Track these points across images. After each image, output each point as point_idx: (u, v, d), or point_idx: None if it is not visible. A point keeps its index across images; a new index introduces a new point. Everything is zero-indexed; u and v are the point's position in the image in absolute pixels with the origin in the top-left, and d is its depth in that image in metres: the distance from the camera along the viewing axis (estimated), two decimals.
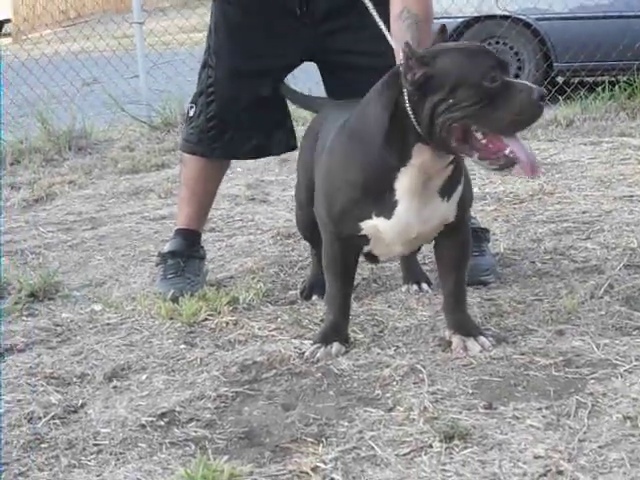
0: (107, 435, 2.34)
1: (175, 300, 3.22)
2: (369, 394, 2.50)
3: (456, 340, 2.74)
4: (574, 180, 4.65)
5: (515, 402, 2.38)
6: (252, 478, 2.11)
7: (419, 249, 2.96)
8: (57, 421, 2.44)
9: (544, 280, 3.26)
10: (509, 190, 4.51)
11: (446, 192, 2.61)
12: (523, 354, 2.66)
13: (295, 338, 2.90)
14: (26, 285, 3.49)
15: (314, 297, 3.23)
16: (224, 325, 3.04)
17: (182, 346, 2.90)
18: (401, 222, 2.58)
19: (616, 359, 2.56)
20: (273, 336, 2.93)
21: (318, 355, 2.70)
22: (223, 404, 2.49)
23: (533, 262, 3.48)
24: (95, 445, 2.30)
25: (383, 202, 2.56)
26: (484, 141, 2.42)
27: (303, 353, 2.75)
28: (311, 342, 2.78)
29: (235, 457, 2.20)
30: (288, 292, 3.36)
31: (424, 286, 3.26)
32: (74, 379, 2.70)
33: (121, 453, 2.25)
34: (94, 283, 3.70)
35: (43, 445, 2.33)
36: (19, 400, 2.57)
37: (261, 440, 2.30)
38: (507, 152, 2.40)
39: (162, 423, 2.39)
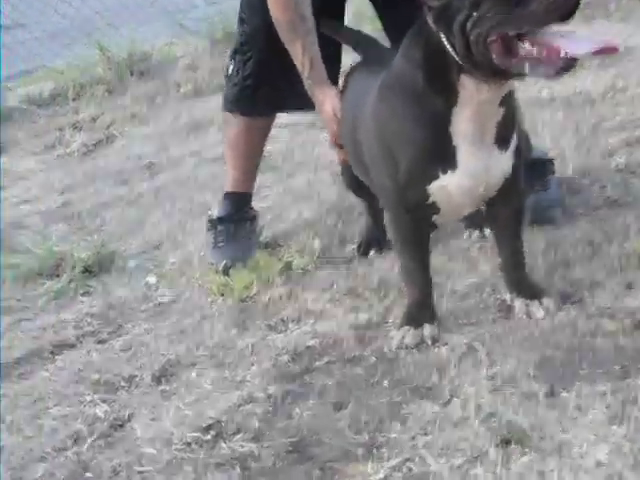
0: (152, 458, 2.25)
1: (226, 272, 3.09)
2: (425, 382, 2.35)
3: (518, 304, 2.57)
4: None
5: (579, 384, 2.21)
6: None
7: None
8: (102, 442, 2.35)
9: (614, 211, 3.03)
10: (579, 89, 4.20)
11: (502, 141, 2.37)
12: (590, 317, 2.48)
13: (351, 311, 2.76)
14: (79, 260, 3.40)
15: (371, 253, 3.07)
16: (278, 298, 2.91)
17: (233, 331, 2.80)
18: (467, 172, 2.34)
19: None
20: (327, 310, 2.78)
21: (407, 340, 2.51)
22: (272, 407, 2.36)
23: (604, 186, 3.25)
24: (139, 473, 2.22)
25: (445, 155, 2.32)
26: (530, 47, 2.12)
27: (362, 338, 2.60)
28: (398, 324, 2.58)
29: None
30: (345, 248, 3.20)
31: (486, 231, 3.05)
32: (122, 383, 2.61)
33: None
34: (151, 246, 3.61)
35: (88, 475, 2.25)
36: (65, 416, 2.49)
37: (311, 453, 2.18)
38: (562, 53, 2.07)
39: (209, 437, 2.28)
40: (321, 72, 2.84)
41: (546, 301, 2.55)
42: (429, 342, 2.51)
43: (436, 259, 2.87)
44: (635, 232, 2.84)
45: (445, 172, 2.34)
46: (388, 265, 2.95)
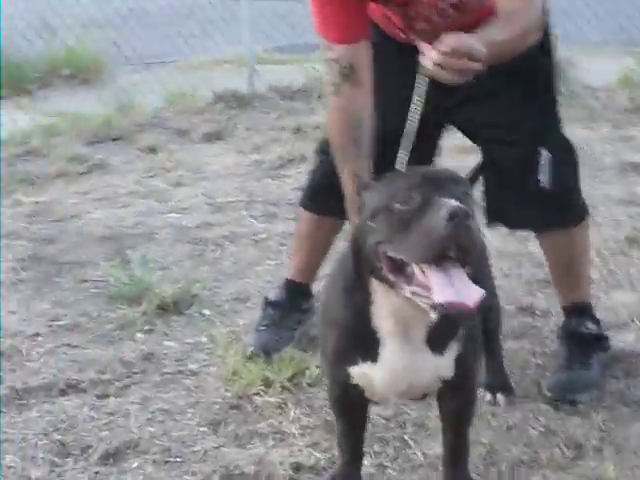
0: None
1: (251, 357, 3.19)
2: None
3: None
4: None
5: None
6: None
7: (424, 396, 2.63)
8: None
9: None
10: None
11: (436, 344, 2.28)
12: None
13: (312, 446, 2.77)
14: (156, 296, 3.63)
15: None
16: (266, 406, 2.98)
17: (203, 429, 2.89)
18: (388, 366, 2.29)
19: None
20: (292, 437, 2.82)
21: None
22: None
23: None
24: None
25: (368, 344, 2.28)
26: (416, 273, 2.04)
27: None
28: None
29: None
30: None
31: (499, 397, 2.96)
32: (74, 452, 2.79)
33: None
34: (236, 298, 3.76)
35: None
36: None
37: None
38: (434, 296, 1.99)
39: None
40: None
41: None
42: None
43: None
44: None
45: (365, 361, 2.30)
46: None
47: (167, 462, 2.73)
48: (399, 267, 2.06)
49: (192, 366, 3.26)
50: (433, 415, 2.73)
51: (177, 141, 6.03)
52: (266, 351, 3.20)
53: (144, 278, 3.74)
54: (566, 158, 2.96)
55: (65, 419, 2.94)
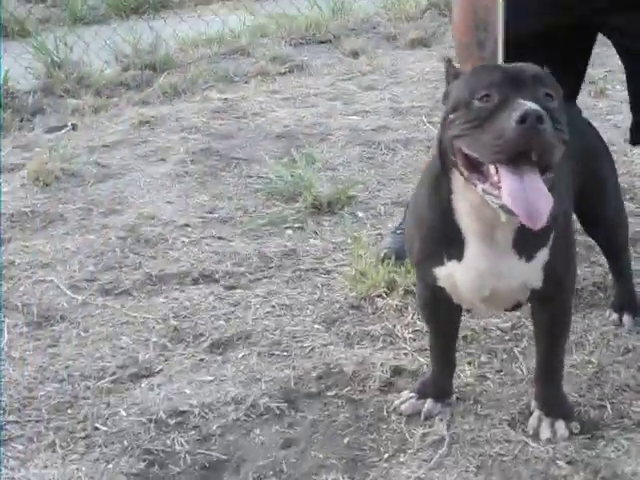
0: None
1: (383, 260, 3.14)
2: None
3: (532, 418, 2.38)
4: None
5: None
6: None
7: (516, 308, 2.48)
8: None
9: None
10: None
11: (523, 249, 2.16)
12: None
13: (418, 351, 2.72)
14: (310, 196, 3.64)
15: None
16: (386, 308, 2.93)
17: (317, 326, 2.88)
18: (472, 267, 2.19)
19: None
20: (403, 340, 2.78)
21: (403, 407, 2.46)
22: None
23: None
24: None
25: (452, 244, 2.19)
26: (491, 172, 1.96)
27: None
28: (409, 390, 2.52)
29: None
30: None
31: (625, 318, 2.79)
32: (186, 339, 2.85)
33: None
34: (394, 202, 3.72)
35: None
36: None
37: None
38: (503, 195, 1.93)
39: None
40: None
41: (560, 424, 2.33)
42: (422, 417, 2.43)
43: None
44: None
45: (450, 260, 2.21)
46: None
47: (272, 355, 2.73)
48: (474, 164, 1.99)
49: (328, 265, 3.24)
50: None
51: (383, 46, 5.97)
52: (398, 255, 3.13)
53: (305, 177, 3.73)
54: None
55: (188, 307, 2.99)
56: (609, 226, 2.75)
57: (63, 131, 4.53)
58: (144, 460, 2.27)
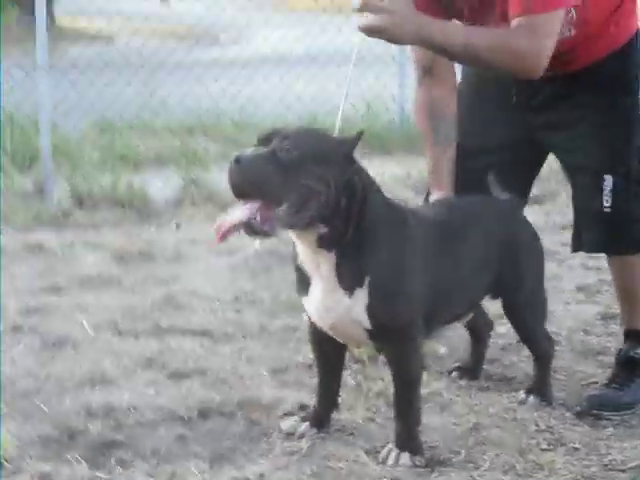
0: None
1: None
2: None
3: (385, 449, 2.75)
4: None
5: None
6: None
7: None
8: None
9: None
10: None
11: (346, 284, 2.59)
12: None
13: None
14: None
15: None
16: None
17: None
18: (312, 300, 2.66)
19: None
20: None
21: (284, 425, 2.89)
22: None
23: None
24: None
25: (304, 280, 2.69)
26: None
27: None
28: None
29: None
30: None
31: (530, 400, 3.10)
32: None
33: None
34: None
35: None
36: None
37: None
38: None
39: None
40: (440, 178, 3.13)
41: (403, 455, 2.69)
42: (295, 436, 2.85)
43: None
44: None
45: (304, 294, 2.70)
46: None
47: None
48: None
49: None
50: None
51: None
52: None
53: None
54: (637, 189, 3.07)
55: None
56: (522, 314, 3.09)
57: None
58: None
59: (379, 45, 3.08)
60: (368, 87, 7.36)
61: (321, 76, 7.47)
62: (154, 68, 7.50)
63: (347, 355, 3.23)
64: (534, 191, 5.58)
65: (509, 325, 3.23)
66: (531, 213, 5.36)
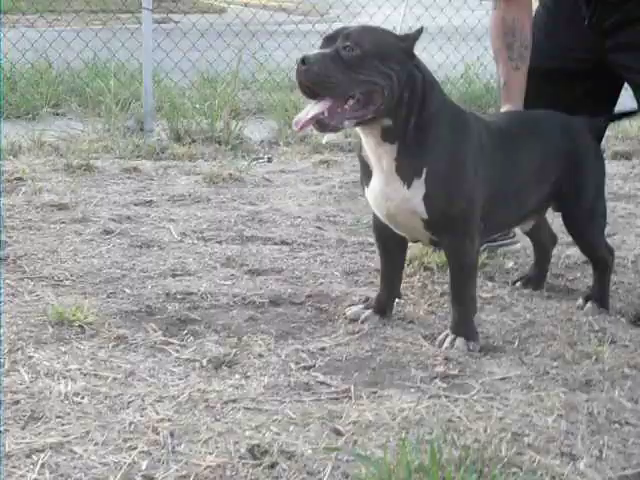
0: None
1: None
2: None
3: (442, 334, 2.89)
4: None
5: None
6: None
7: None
8: None
9: None
10: None
11: (405, 175, 2.72)
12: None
13: None
14: None
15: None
16: None
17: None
18: (372, 189, 2.81)
19: None
20: None
21: (349, 312, 3.05)
22: None
23: None
24: None
25: (367, 172, 2.84)
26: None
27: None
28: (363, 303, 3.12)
29: None
30: None
31: (588, 305, 3.21)
32: None
33: None
34: None
35: None
36: None
37: None
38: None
39: None
40: (511, 93, 3.30)
41: (458, 340, 2.83)
42: (359, 321, 3.01)
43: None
44: None
45: (367, 186, 2.86)
46: None
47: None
48: None
49: None
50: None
51: None
52: None
53: None
54: None
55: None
56: (582, 224, 3.20)
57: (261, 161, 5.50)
58: None
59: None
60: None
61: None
62: (259, 36, 7.76)
63: (417, 264, 3.41)
64: (623, 147, 5.87)
65: (577, 248, 3.34)
66: (618, 165, 5.62)
